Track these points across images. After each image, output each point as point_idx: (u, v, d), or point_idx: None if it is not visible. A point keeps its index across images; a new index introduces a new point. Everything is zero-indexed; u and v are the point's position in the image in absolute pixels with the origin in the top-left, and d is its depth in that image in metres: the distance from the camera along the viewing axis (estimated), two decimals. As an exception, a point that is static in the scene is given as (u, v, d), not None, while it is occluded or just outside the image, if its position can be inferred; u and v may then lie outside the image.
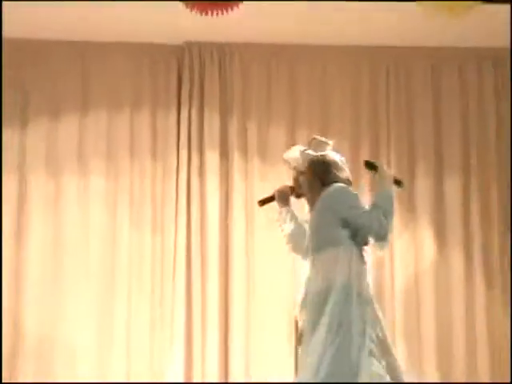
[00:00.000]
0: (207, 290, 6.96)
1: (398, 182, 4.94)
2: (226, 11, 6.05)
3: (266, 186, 6.98)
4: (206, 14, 6.06)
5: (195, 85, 7.24)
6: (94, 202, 6.84)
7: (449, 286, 7.15)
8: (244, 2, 6.01)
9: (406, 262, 7.17)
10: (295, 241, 5.04)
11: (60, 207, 7.05)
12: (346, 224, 4.71)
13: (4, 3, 6.32)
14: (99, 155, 7.11)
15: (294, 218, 5.09)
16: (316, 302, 4.70)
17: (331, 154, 4.97)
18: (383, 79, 7.41)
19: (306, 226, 4.93)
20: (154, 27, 7.01)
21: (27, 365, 6.80)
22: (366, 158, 7.04)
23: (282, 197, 5.17)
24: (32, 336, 6.87)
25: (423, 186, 7.27)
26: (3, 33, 6.82)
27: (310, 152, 4.97)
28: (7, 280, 6.88)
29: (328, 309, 4.63)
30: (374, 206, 4.72)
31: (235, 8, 5.98)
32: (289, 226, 5.08)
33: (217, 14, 6.04)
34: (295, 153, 5.06)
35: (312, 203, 4.88)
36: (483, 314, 7.10)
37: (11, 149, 7.04)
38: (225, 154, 7.23)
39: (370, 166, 5.02)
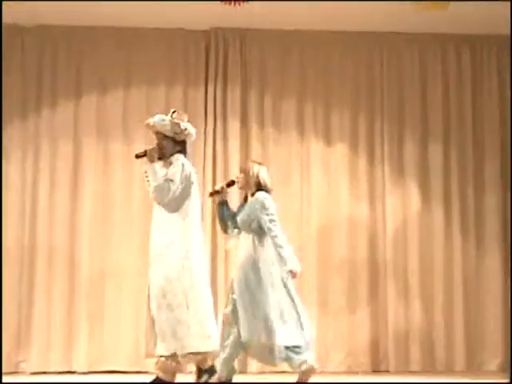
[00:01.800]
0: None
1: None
2: (247, 1, 6.83)
3: (279, 150, 7.87)
4: (230, 3, 6.86)
5: (220, 64, 7.82)
6: (135, 163, 6.91)
7: (431, 232, 7.86)
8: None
9: (396, 213, 7.83)
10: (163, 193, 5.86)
11: (108, 166, 7.69)
12: None
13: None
14: (140, 124, 7.17)
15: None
16: None
17: (190, 126, 5.99)
18: (378, 60, 8.00)
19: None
20: (185, 15, 7.54)
21: (82, 291, 7.47)
22: (361, 126, 7.85)
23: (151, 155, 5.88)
24: (85, 268, 7.53)
25: (411, 149, 7.92)
26: (61, 20, 7.59)
27: (179, 122, 5.89)
28: (65, 225, 7.56)
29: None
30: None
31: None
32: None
33: (239, 4, 6.85)
34: (162, 120, 5.90)
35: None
36: (459, 254, 7.83)
37: (67, 118, 7.68)
38: (244, 123, 7.84)
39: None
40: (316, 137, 7.98)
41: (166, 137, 5.92)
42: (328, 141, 7.99)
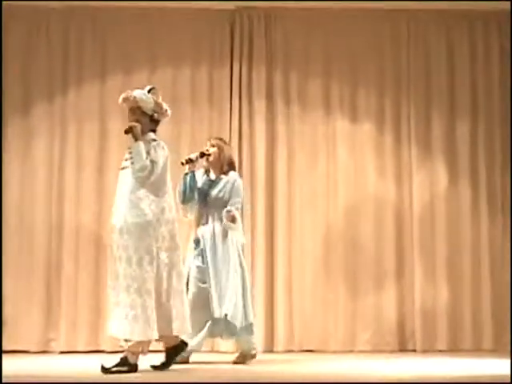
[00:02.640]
0: (256, 214, 7.67)
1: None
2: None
3: (305, 129, 7.87)
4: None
5: (245, 44, 7.82)
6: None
7: (458, 210, 7.82)
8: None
9: (423, 191, 7.80)
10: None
11: None
12: None
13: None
14: (166, 104, 7.49)
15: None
16: None
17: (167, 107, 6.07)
18: (404, 37, 7.94)
19: None
20: (211, -6, 7.54)
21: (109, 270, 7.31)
22: (387, 104, 7.83)
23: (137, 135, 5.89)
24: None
25: (437, 127, 7.87)
26: (86, 1, 7.65)
27: (161, 102, 5.98)
28: (91, 205, 7.62)
29: None
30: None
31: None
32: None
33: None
34: (146, 97, 5.94)
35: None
36: (486, 232, 7.78)
37: (93, 98, 7.72)
38: (270, 102, 7.85)
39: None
40: (342, 115, 7.96)
41: (144, 113, 5.91)
42: (354, 119, 7.97)
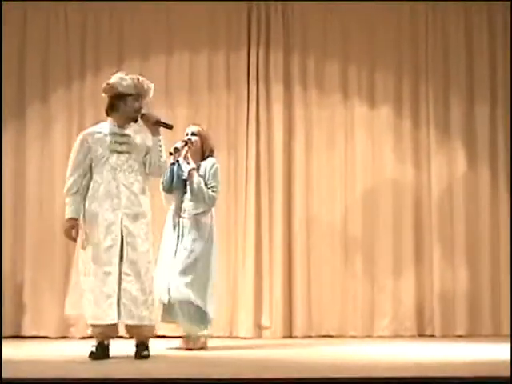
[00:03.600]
0: (274, 199, 7.67)
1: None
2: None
3: (322, 113, 7.84)
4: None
5: (262, 28, 7.78)
6: (179, 129, 6.96)
7: (477, 194, 7.77)
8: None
9: (441, 175, 7.76)
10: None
11: None
12: None
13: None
14: (182, 89, 7.69)
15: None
16: None
17: None
18: (422, 19, 7.87)
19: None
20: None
21: None
22: (405, 87, 7.78)
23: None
24: None
25: (456, 112, 7.82)
26: None
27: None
28: None
29: None
30: None
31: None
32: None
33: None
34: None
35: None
36: (505, 216, 7.72)
37: None
38: (287, 86, 7.82)
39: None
40: (360, 99, 7.92)
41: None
42: (372, 103, 7.93)
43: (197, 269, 6.27)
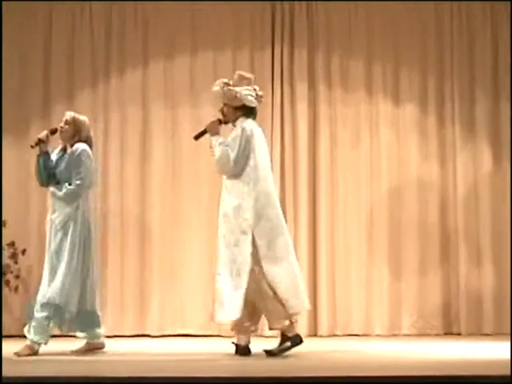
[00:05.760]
0: (299, 196, 7.67)
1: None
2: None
3: (347, 111, 7.83)
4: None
5: (286, 26, 7.79)
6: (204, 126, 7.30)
7: (503, 191, 7.71)
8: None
9: (467, 172, 7.72)
10: (223, 163, 5.92)
11: (176, 130, 7.75)
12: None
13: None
14: (207, 89, 7.22)
15: (222, 144, 5.96)
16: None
17: (245, 91, 6.00)
18: (448, 16, 7.85)
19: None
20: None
21: (154, 254, 7.61)
22: (430, 84, 7.75)
23: (212, 129, 6.05)
24: (156, 231, 7.67)
25: (482, 108, 7.78)
26: None
27: (231, 88, 5.96)
28: (135, 189, 7.67)
29: None
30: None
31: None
32: (217, 151, 5.94)
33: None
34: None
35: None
36: None
37: (135, 84, 7.76)
38: (312, 84, 7.82)
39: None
40: (384, 96, 7.91)
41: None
42: (397, 100, 7.91)
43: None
